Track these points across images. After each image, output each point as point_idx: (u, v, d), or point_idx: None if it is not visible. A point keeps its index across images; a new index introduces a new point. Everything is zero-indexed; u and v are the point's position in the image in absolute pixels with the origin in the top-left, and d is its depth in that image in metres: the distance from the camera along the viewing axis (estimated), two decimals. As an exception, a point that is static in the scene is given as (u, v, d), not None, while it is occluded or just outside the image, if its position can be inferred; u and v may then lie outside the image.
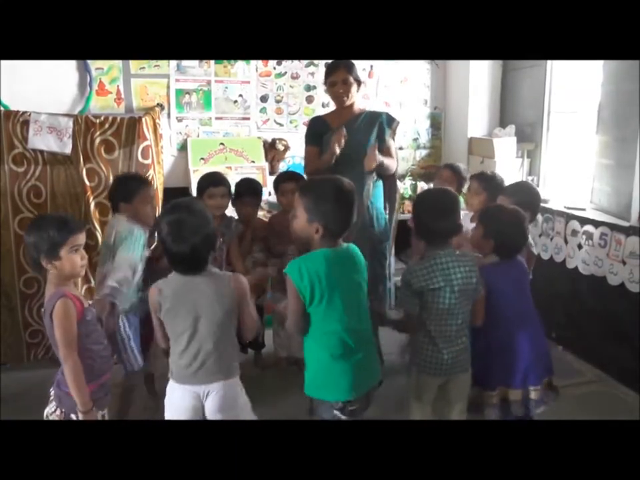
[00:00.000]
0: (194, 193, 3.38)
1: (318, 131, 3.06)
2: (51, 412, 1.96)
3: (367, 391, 1.97)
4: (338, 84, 2.94)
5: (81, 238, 1.94)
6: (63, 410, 1.93)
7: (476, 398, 2.30)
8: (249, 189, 3.13)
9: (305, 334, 1.95)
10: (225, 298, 1.91)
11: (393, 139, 3.14)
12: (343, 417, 1.93)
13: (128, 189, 2.51)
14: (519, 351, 2.23)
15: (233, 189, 3.08)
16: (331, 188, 1.91)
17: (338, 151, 2.86)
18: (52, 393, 1.99)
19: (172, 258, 1.90)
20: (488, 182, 2.96)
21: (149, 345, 2.64)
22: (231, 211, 3.22)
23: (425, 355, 2.12)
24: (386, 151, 3.05)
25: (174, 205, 1.97)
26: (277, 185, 3.17)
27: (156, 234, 2.28)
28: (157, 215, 2.57)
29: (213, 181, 2.96)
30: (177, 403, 1.95)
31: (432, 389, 2.16)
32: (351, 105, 3.03)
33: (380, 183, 3.09)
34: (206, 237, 1.87)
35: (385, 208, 3.14)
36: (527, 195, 2.74)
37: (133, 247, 2.40)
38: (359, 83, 2.99)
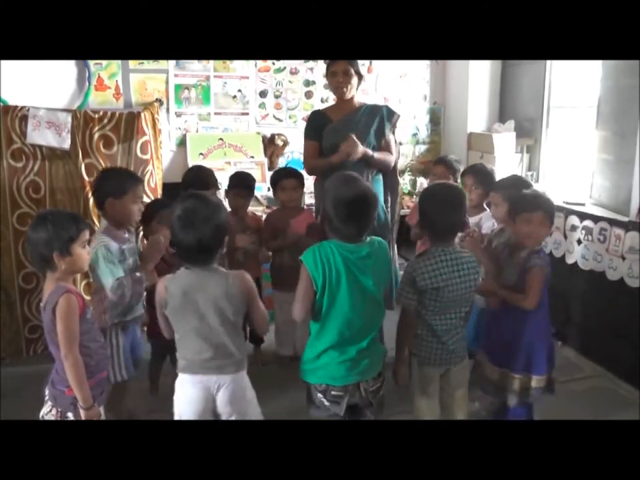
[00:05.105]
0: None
1: (318, 124, 3.05)
2: (47, 412, 1.93)
3: (352, 383, 1.98)
4: (338, 74, 2.92)
5: (88, 233, 1.95)
6: (59, 409, 1.91)
7: (499, 380, 2.37)
8: (241, 182, 3.12)
9: (304, 323, 2.02)
10: (233, 296, 1.90)
11: (393, 133, 3.13)
12: (326, 402, 1.98)
13: (120, 185, 2.30)
14: (547, 337, 2.38)
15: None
16: (336, 182, 1.99)
17: (347, 158, 2.81)
18: (47, 392, 1.96)
19: (180, 248, 1.90)
20: (483, 176, 2.99)
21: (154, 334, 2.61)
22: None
23: (426, 348, 2.14)
24: (385, 145, 3.04)
25: (187, 195, 1.96)
26: (276, 181, 3.12)
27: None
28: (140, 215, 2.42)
29: (199, 182, 2.83)
30: (188, 395, 1.95)
31: (435, 381, 2.19)
32: (352, 98, 3.02)
33: (380, 178, 3.08)
34: (215, 228, 1.86)
35: (386, 202, 3.13)
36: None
37: (107, 270, 2.22)
38: (359, 75, 2.97)
